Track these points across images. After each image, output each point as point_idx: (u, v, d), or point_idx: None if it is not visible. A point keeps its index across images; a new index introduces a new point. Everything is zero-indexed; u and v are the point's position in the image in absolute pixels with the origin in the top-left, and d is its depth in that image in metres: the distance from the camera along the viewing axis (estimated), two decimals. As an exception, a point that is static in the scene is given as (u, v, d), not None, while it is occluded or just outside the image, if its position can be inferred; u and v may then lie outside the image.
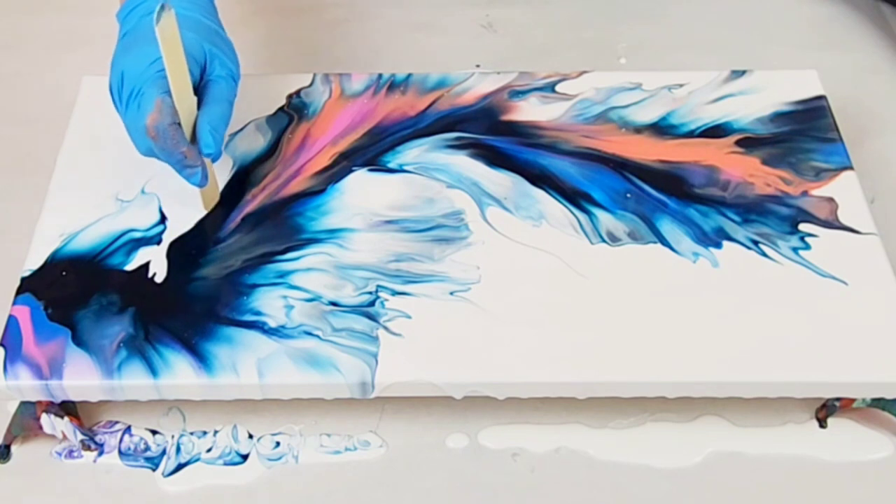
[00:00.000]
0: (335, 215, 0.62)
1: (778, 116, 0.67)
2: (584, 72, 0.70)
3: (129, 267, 0.59)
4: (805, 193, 0.62)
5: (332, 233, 0.61)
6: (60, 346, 0.55)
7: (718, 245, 0.60)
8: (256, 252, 0.60)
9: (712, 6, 0.86)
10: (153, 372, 0.54)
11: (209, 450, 0.59)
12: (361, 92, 0.69)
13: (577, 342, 0.55)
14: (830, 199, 0.62)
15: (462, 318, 0.56)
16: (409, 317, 0.56)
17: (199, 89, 0.58)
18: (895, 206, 0.69)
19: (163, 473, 0.58)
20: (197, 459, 0.59)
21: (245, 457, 0.59)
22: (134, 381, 0.54)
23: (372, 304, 0.57)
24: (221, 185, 0.63)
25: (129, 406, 0.60)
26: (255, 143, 0.66)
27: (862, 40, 0.83)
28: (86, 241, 0.60)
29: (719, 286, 0.58)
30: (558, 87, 0.69)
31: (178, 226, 0.61)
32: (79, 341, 0.55)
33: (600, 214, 0.61)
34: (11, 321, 0.56)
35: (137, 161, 0.64)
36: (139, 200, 0.62)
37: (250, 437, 0.59)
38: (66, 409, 0.58)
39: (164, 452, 0.59)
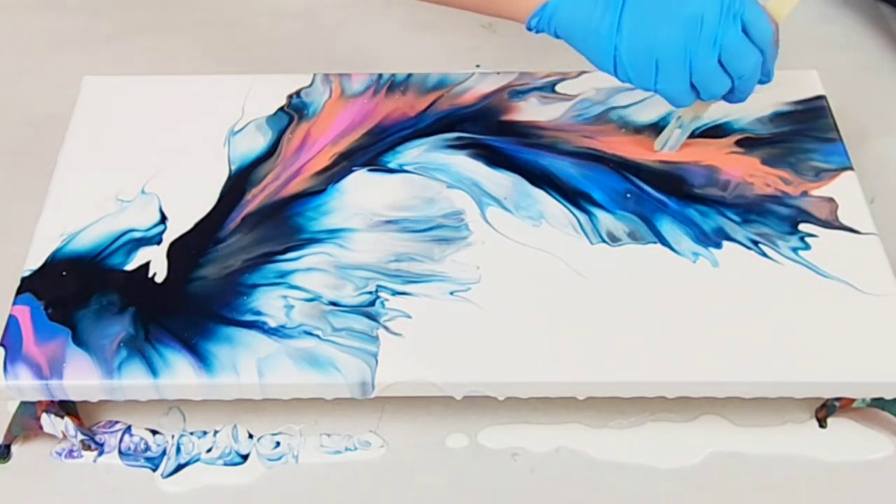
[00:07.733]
0: (335, 215, 0.61)
1: (778, 116, 0.67)
2: (584, 72, 0.70)
3: (130, 267, 0.59)
4: (805, 193, 0.62)
5: (332, 233, 0.61)
6: (60, 345, 0.55)
7: (718, 245, 0.60)
8: (256, 252, 0.60)
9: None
10: (153, 372, 0.54)
11: (209, 450, 0.59)
12: (361, 92, 0.69)
13: (577, 342, 0.55)
14: (830, 199, 0.62)
15: (462, 318, 0.56)
16: (409, 317, 0.56)
17: None
18: (895, 206, 0.69)
19: (162, 474, 0.58)
20: (197, 460, 0.59)
21: (245, 457, 0.59)
22: (134, 381, 0.54)
23: (372, 303, 0.57)
24: (221, 185, 0.63)
25: (129, 406, 0.60)
26: (255, 143, 0.66)
27: (862, 40, 0.83)
28: (86, 241, 0.60)
29: (719, 286, 0.58)
30: (558, 87, 0.69)
31: (179, 226, 0.61)
32: (79, 341, 0.55)
33: (600, 214, 0.61)
34: (11, 321, 0.56)
35: (137, 161, 0.64)
36: (139, 200, 0.62)
37: (250, 437, 0.59)
38: (66, 408, 0.58)
39: (164, 452, 0.59)
